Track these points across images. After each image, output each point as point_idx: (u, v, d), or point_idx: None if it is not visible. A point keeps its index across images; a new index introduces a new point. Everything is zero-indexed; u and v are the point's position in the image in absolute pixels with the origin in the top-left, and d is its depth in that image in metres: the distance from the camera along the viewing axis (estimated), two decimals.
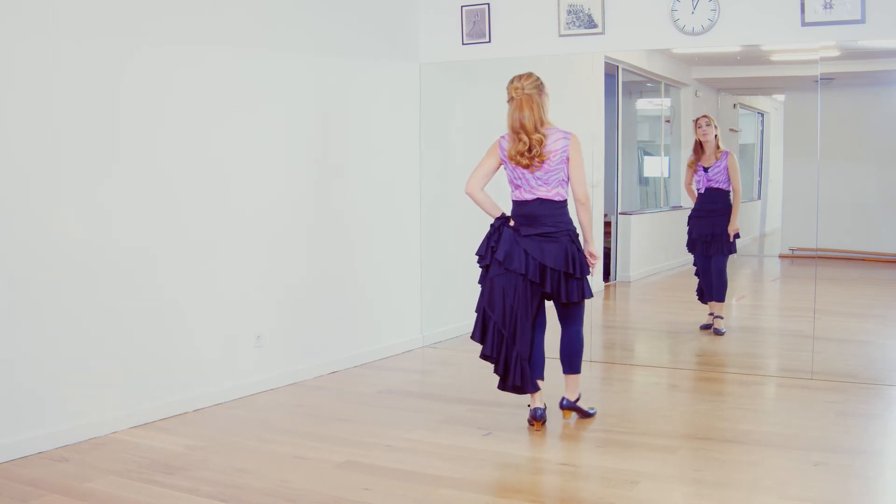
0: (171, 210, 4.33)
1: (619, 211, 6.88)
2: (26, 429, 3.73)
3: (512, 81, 3.96)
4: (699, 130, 6.12)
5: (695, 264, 6.24)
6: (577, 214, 4.02)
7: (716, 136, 6.08)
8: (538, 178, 3.93)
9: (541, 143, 3.87)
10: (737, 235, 6.12)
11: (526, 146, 3.87)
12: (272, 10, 4.86)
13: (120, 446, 3.88)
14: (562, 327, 4.14)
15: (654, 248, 7.30)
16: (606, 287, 7.07)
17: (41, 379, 3.79)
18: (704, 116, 6.14)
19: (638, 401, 4.87)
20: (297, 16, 5.03)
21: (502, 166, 4.03)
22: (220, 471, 3.57)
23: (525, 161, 3.89)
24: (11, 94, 3.66)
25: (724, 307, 6.20)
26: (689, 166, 6.20)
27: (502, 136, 4.02)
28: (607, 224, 6.92)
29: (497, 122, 6.57)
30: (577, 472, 3.57)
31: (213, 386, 4.57)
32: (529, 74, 3.98)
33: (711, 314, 6.20)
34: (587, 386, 4.91)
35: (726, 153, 6.08)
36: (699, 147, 6.13)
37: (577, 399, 4.18)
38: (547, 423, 4.15)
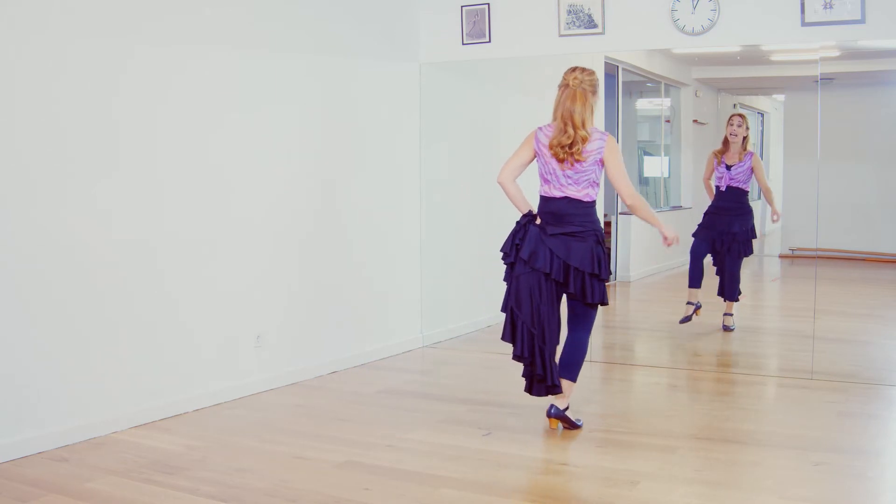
0: (171, 209, 4.33)
1: (619, 211, 6.87)
2: (26, 429, 3.73)
3: (573, 70, 3.89)
4: (729, 129, 6.13)
5: (694, 250, 6.20)
6: (637, 217, 3.98)
7: (745, 137, 6.10)
8: (569, 177, 3.87)
9: (584, 140, 3.80)
10: (753, 234, 6.14)
11: (570, 140, 3.80)
12: (272, 10, 4.86)
13: (120, 446, 3.88)
14: (569, 332, 4.08)
15: (654, 248, 7.26)
16: (606, 287, 7.05)
17: (41, 379, 3.79)
18: (739, 115, 6.15)
19: (638, 401, 4.87)
20: (297, 16, 5.03)
21: (536, 159, 3.96)
22: (220, 471, 3.57)
23: (563, 154, 3.82)
24: (11, 95, 3.65)
25: (732, 306, 6.21)
26: (715, 155, 6.20)
27: (539, 128, 3.94)
28: (607, 224, 6.91)
29: (497, 121, 6.59)
30: (577, 472, 3.56)
31: (213, 386, 4.57)
32: (592, 72, 3.91)
33: (690, 303, 6.16)
34: (588, 386, 4.91)
35: (751, 154, 6.10)
36: (726, 143, 6.15)
37: (567, 409, 4.06)
38: (544, 422, 4.14)
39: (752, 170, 6.08)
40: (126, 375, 4.14)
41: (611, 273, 4.01)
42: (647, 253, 7.21)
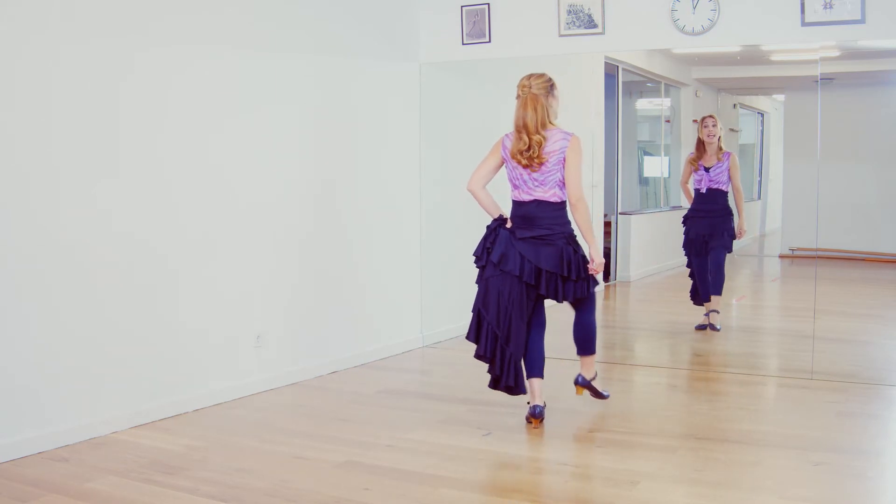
0: (172, 209, 4.33)
1: (619, 211, 6.88)
2: (26, 429, 3.73)
3: (522, 79, 3.99)
4: (704, 130, 6.11)
5: (689, 265, 6.22)
6: (573, 217, 3.99)
7: (719, 137, 6.09)
8: (535, 180, 3.94)
9: (540, 144, 3.89)
10: (733, 234, 6.12)
11: (525, 145, 3.90)
12: (272, 11, 4.86)
13: (120, 446, 3.88)
14: (575, 314, 4.19)
15: (654, 248, 7.30)
16: (606, 287, 7.07)
17: (41, 379, 3.79)
18: (710, 117, 6.14)
19: (638, 401, 4.87)
20: (297, 16, 5.03)
21: (504, 165, 4.04)
22: (220, 471, 3.57)
23: (524, 161, 3.92)
24: (12, 96, 3.65)
25: (723, 305, 6.21)
26: (690, 163, 6.19)
27: (506, 135, 4.03)
28: (607, 224, 6.92)
29: (497, 121, 6.58)
30: (577, 472, 3.57)
31: (213, 386, 4.57)
32: (541, 75, 3.99)
33: (707, 314, 6.20)
34: None
35: (728, 154, 6.09)
36: (701, 145, 6.13)
37: (594, 378, 4.25)
38: (546, 421, 4.15)
39: (729, 170, 6.06)
40: (126, 375, 4.14)
41: (595, 277, 4.03)
42: (647, 253, 7.21)
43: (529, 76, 3.98)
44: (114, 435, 4.04)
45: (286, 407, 4.59)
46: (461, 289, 6.32)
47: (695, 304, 6.21)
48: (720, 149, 6.09)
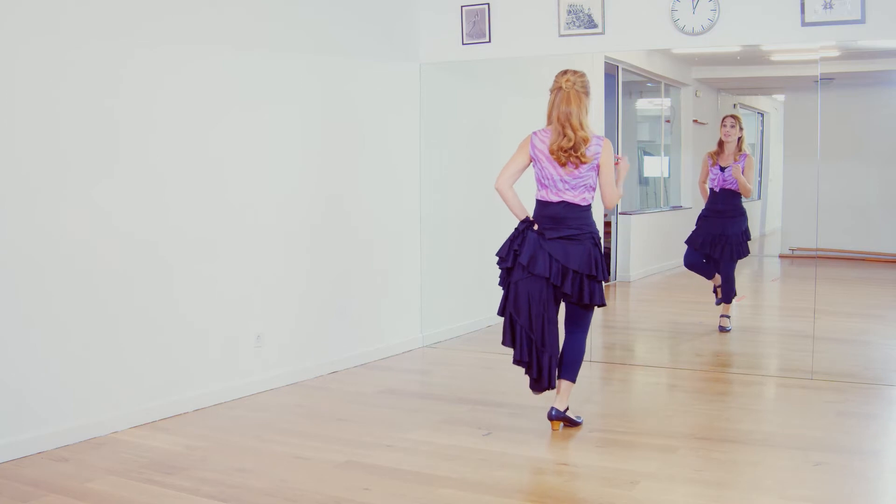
0: (171, 210, 4.33)
1: (619, 211, 6.87)
2: (26, 429, 3.73)
3: (565, 73, 3.90)
4: (723, 129, 6.11)
5: (687, 260, 6.21)
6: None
7: (739, 138, 6.08)
8: (565, 182, 3.89)
9: (585, 141, 3.82)
10: (748, 236, 6.11)
11: (571, 143, 3.81)
12: (272, 10, 4.86)
13: (120, 446, 3.88)
14: (567, 333, 4.10)
15: (654, 248, 7.30)
16: (606, 287, 7.05)
17: (41, 379, 3.79)
18: (732, 117, 6.13)
19: (638, 401, 4.87)
20: (297, 16, 5.03)
21: (532, 164, 3.97)
22: (220, 471, 3.57)
23: (564, 158, 3.83)
24: (10, 97, 3.65)
25: (729, 307, 6.21)
26: (710, 156, 6.18)
27: (534, 133, 3.95)
28: (607, 224, 6.91)
29: (497, 122, 6.60)
30: (577, 472, 3.57)
31: (213, 386, 4.58)
32: (583, 74, 3.92)
33: (717, 286, 6.18)
34: (588, 386, 4.91)
35: (745, 155, 6.08)
36: (721, 144, 6.13)
37: (567, 409, 4.07)
38: (545, 421, 4.14)
39: (744, 170, 6.05)
40: (126, 375, 4.14)
41: (608, 275, 4.02)
42: (647, 253, 7.21)
43: (574, 72, 3.90)
44: (114, 435, 4.04)
45: (286, 407, 4.59)
46: (461, 289, 6.34)
47: (709, 279, 6.22)
48: (739, 150, 6.08)
